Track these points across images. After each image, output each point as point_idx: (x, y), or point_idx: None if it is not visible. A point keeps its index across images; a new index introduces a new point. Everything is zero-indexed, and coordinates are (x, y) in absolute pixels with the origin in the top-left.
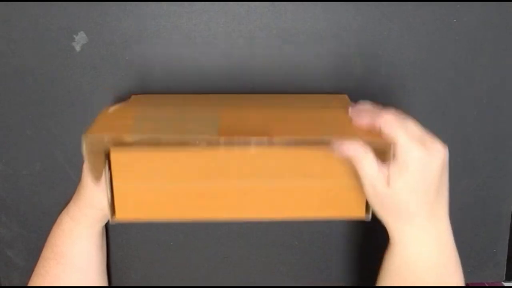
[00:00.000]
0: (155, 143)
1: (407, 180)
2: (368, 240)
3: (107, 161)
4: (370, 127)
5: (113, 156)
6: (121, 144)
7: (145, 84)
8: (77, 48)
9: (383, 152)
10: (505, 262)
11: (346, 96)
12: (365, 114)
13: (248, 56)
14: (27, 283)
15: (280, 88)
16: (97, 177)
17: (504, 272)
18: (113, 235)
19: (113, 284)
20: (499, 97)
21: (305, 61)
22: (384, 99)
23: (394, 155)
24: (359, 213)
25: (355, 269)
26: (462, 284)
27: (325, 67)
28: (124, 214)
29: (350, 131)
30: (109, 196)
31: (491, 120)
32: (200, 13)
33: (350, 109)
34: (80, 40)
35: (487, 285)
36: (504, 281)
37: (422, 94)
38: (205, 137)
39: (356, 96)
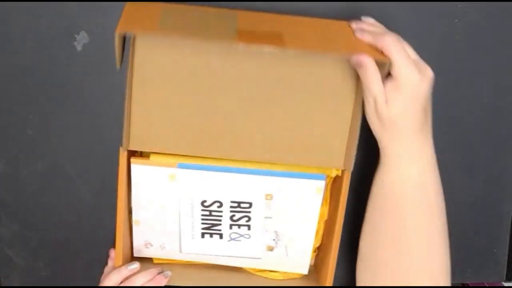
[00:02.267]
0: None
1: (402, 97)
2: None
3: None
4: (371, 44)
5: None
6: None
7: None
8: (79, 47)
9: (381, 67)
10: (505, 262)
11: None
12: (367, 33)
13: None
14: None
15: None
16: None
17: (504, 272)
18: None
19: None
20: (499, 97)
21: None
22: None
23: (391, 74)
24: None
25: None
26: (443, 205)
27: None
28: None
29: (356, 47)
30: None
31: (491, 121)
32: None
33: (353, 24)
34: (81, 39)
35: (487, 285)
36: (504, 281)
37: None
38: (224, 42)
39: None
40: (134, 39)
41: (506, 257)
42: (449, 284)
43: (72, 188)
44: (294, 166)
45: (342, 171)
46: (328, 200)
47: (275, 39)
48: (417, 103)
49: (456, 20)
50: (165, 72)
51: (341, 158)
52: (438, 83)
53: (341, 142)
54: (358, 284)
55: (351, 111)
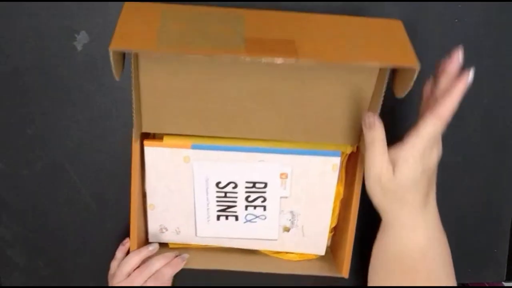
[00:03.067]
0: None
1: (411, 169)
2: None
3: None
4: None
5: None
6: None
7: None
8: (79, 47)
9: (408, 76)
10: (505, 262)
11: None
12: (448, 76)
13: None
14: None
15: None
16: (118, 73)
17: (504, 272)
18: None
19: None
20: (499, 97)
21: None
22: (385, 98)
23: (402, 141)
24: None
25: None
26: (452, 266)
27: None
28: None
29: (377, 53)
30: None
31: (491, 120)
32: None
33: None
34: (81, 39)
35: (487, 285)
36: (504, 281)
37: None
38: (231, 55)
39: None
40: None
41: (506, 257)
42: None
43: (72, 188)
44: (308, 144)
45: (357, 147)
46: (343, 179)
47: (287, 47)
48: (423, 175)
49: (456, 20)
50: (173, 82)
51: (356, 134)
52: None
53: (355, 118)
54: None
55: (372, 88)
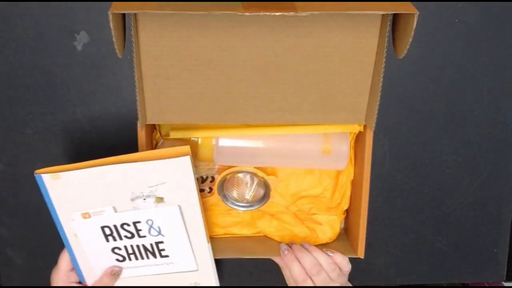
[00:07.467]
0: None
1: None
2: None
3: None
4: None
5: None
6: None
7: None
8: (79, 47)
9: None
10: (505, 262)
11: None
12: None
13: None
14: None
15: None
16: (120, 49)
17: (505, 272)
18: None
19: None
20: (499, 97)
21: None
22: (385, 98)
23: None
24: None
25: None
26: None
27: None
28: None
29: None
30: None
31: (491, 120)
32: None
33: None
34: (81, 39)
35: (487, 285)
36: (504, 281)
37: (423, 94)
38: (230, 12)
39: None
40: (135, 18)
41: (506, 257)
42: None
43: None
44: (316, 126)
45: (364, 126)
46: (353, 159)
47: (285, 5)
48: None
49: (456, 20)
50: (174, 46)
51: (363, 113)
52: (439, 83)
53: (362, 98)
54: None
55: (372, 67)
